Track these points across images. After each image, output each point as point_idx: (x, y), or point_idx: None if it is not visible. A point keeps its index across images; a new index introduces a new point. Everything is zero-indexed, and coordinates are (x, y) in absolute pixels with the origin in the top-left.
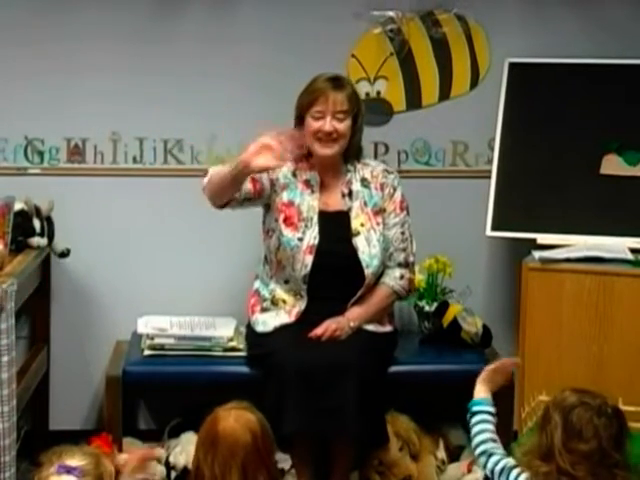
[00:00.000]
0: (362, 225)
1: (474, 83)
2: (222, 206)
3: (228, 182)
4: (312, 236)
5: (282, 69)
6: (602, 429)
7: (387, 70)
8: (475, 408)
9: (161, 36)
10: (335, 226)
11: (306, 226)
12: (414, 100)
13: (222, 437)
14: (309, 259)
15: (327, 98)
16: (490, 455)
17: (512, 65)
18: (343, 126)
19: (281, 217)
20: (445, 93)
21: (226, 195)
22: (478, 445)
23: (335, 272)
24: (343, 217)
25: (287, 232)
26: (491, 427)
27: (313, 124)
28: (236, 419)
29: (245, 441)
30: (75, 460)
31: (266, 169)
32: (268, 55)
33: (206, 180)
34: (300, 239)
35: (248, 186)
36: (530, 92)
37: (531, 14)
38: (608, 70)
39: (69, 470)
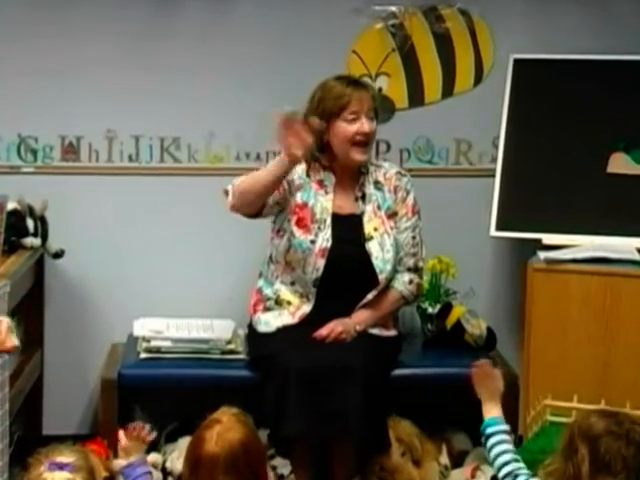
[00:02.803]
0: (375, 229)
1: (478, 80)
2: (256, 214)
3: (270, 183)
4: (325, 239)
5: (281, 66)
6: (631, 459)
7: (389, 66)
8: (489, 430)
9: (158, 32)
10: (348, 230)
11: (319, 228)
12: (416, 97)
13: (203, 463)
14: (321, 262)
15: (361, 99)
16: (516, 476)
17: (517, 61)
18: (374, 126)
19: (294, 219)
20: (448, 90)
21: (264, 198)
22: (502, 466)
23: (346, 276)
24: (356, 221)
25: (299, 234)
26: (511, 447)
27: (349, 128)
28: (217, 442)
29: (226, 466)
30: (64, 457)
31: (307, 152)
32: (267, 52)
33: (231, 194)
34: (312, 242)
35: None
36: (535, 89)
37: (536, 9)
38: (615, 66)
39: (61, 466)
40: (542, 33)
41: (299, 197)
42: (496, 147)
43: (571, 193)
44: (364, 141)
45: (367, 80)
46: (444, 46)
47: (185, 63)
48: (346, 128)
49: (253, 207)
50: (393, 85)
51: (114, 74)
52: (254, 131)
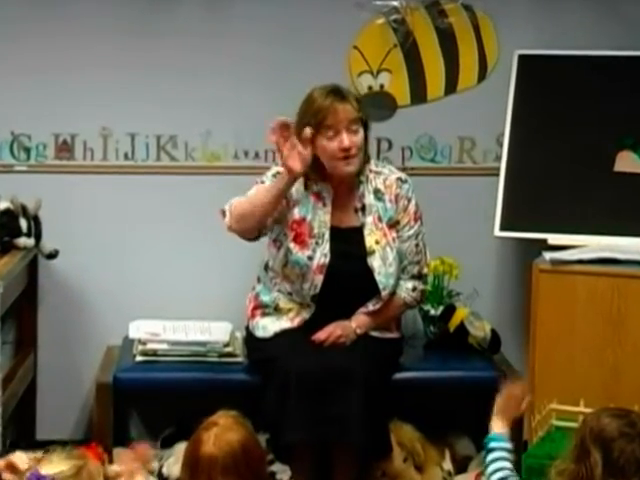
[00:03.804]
0: (377, 242)
1: (482, 76)
2: (257, 237)
3: (270, 203)
4: (323, 254)
5: (280, 62)
6: None
7: (391, 62)
8: (492, 444)
9: (154, 29)
10: (348, 243)
11: (317, 243)
12: (419, 94)
13: (201, 464)
14: (319, 279)
15: (336, 112)
16: None
17: (522, 57)
18: (359, 138)
19: (291, 235)
20: (452, 86)
21: (264, 221)
22: None
23: (346, 292)
24: (356, 234)
25: (296, 250)
26: (509, 465)
27: (329, 145)
28: (215, 442)
29: (224, 467)
30: (52, 467)
31: (306, 166)
32: (265, 48)
33: (228, 216)
34: (310, 258)
35: None
36: (540, 86)
37: (541, 4)
38: (622, 63)
39: (39, 478)
40: (547, 28)
41: (297, 212)
42: (500, 145)
43: (577, 192)
44: (347, 156)
45: (351, 90)
46: (447, 42)
47: (181, 60)
48: (327, 145)
49: (253, 231)
50: (395, 81)
51: (109, 71)
52: (252, 129)
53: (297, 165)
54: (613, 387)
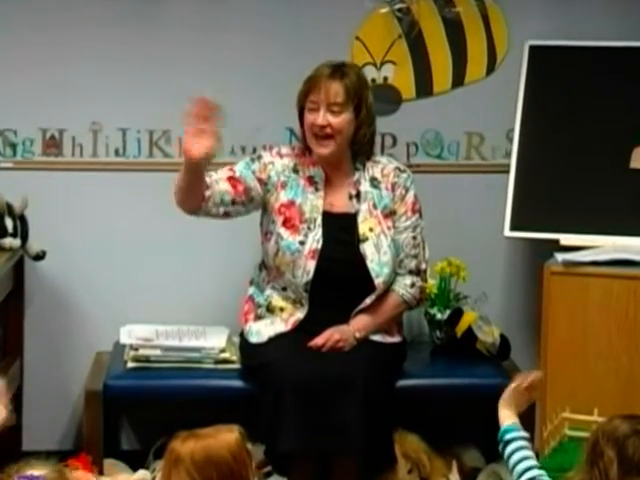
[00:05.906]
0: (371, 230)
1: (491, 68)
2: (193, 211)
3: (187, 179)
4: (315, 239)
5: (279, 55)
6: None
7: (395, 54)
8: (508, 436)
9: (147, 22)
10: (340, 230)
11: (309, 228)
12: (425, 87)
13: (167, 453)
14: (311, 265)
15: (320, 88)
16: None
17: (533, 48)
18: (339, 121)
19: (280, 219)
20: (459, 79)
21: (192, 196)
22: (524, 472)
23: (340, 280)
24: (349, 220)
25: (287, 235)
26: (532, 453)
27: (308, 117)
28: (184, 441)
29: (186, 468)
30: (36, 470)
31: (211, 151)
32: (263, 40)
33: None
34: (302, 242)
35: (223, 187)
36: (553, 78)
37: None
38: (638, 54)
39: (30, 479)
40: (560, 18)
41: (284, 196)
42: (510, 141)
43: (591, 190)
44: (319, 134)
45: (351, 68)
46: (454, 32)
47: (175, 53)
48: (307, 116)
49: (184, 202)
50: (399, 74)
51: (99, 64)
52: (249, 124)
53: (195, 153)
54: (629, 395)
